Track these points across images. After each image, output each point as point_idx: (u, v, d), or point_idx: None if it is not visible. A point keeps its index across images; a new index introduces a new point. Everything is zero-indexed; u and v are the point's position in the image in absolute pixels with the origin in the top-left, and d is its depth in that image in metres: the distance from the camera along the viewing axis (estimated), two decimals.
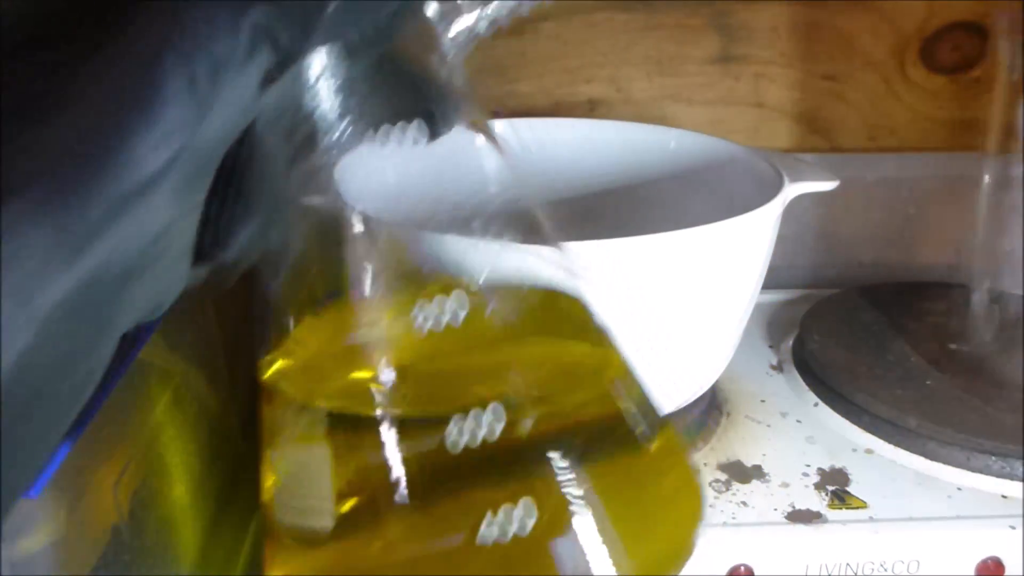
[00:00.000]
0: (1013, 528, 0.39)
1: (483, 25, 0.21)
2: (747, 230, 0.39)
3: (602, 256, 0.37)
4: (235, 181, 0.17)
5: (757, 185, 0.45)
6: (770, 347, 0.56)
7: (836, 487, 0.42)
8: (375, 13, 0.18)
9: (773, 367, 0.54)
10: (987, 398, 0.46)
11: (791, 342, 0.55)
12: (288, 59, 0.16)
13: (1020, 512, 0.40)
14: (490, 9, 0.21)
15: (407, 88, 0.20)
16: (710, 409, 0.48)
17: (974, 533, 0.39)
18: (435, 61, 0.21)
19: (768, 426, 0.47)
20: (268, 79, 0.16)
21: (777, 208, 0.41)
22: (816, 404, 0.49)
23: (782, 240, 0.43)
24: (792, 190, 0.43)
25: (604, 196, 0.49)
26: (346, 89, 0.19)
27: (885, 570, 0.39)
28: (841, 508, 0.40)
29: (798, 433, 0.47)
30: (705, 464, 0.44)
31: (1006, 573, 0.39)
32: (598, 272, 0.37)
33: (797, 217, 0.44)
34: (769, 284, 0.45)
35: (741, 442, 0.46)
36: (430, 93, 0.20)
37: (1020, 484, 0.42)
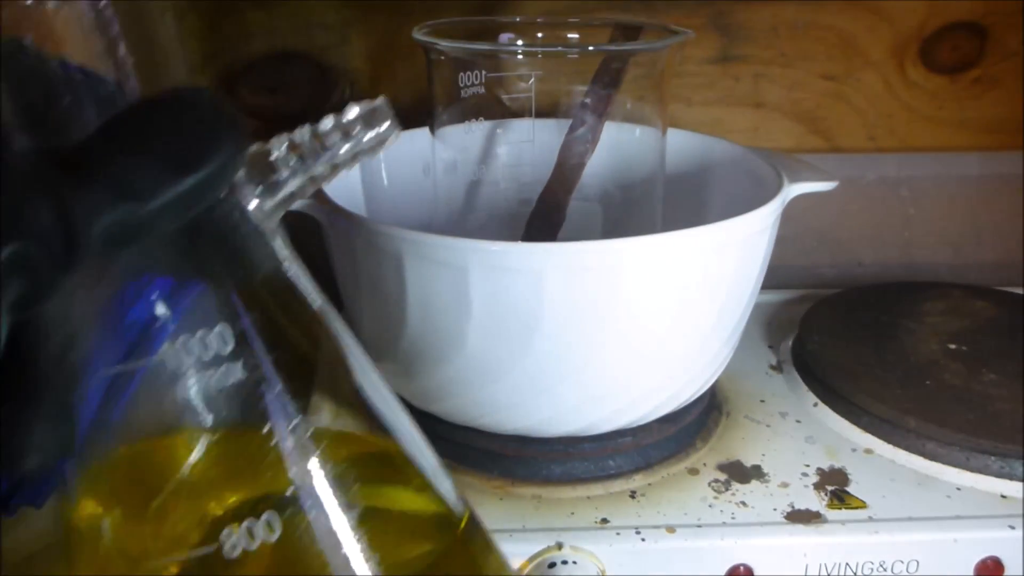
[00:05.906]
0: (1012, 528, 0.39)
1: (301, 184, 0.21)
2: (747, 230, 0.39)
3: (602, 256, 0.37)
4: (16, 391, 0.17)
5: (757, 185, 0.45)
6: (769, 347, 0.56)
7: (835, 487, 0.42)
8: (166, 225, 0.17)
9: (772, 367, 0.54)
10: (987, 398, 0.46)
11: (790, 342, 0.55)
12: (48, 286, 0.16)
13: (1020, 512, 0.40)
14: (301, 177, 0.21)
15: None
16: (709, 409, 0.48)
17: (973, 533, 0.39)
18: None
19: (767, 426, 0.47)
20: (23, 304, 0.15)
21: (777, 208, 0.41)
22: (815, 404, 0.49)
23: (782, 240, 0.43)
24: (792, 190, 0.43)
25: (604, 196, 0.49)
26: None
27: (884, 570, 0.39)
28: (840, 508, 0.40)
29: (798, 433, 0.47)
30: (704, 464, 0.44)
31: (1005, 573, 0.39)
32: (598, 272, 0.37)
33: (797, 217, 0.44)
34: (769, 284, 0.45)
35: (740, 442, 0.46)
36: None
37: (1020, 484, 0.42)
